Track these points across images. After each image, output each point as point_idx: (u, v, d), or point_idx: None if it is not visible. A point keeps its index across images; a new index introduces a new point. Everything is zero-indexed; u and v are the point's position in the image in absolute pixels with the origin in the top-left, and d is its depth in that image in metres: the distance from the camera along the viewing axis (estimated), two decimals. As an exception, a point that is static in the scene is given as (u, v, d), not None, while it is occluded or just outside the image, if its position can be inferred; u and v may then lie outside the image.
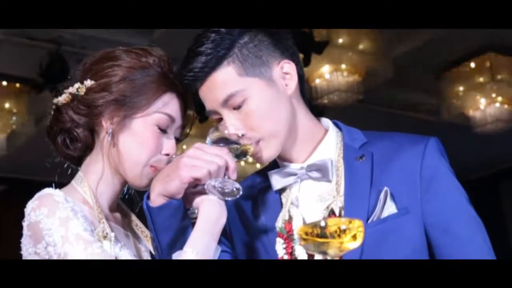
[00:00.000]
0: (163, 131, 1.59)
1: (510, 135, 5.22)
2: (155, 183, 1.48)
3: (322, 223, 1.16)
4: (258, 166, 5.11)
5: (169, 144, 1.59)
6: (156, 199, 1.46)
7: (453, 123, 5.31)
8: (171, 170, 1.45)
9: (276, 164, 1.61)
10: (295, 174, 1.56)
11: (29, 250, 1.48)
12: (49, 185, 1.53)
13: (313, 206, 1.53)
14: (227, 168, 1.45)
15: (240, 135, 1.48)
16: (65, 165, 1.68)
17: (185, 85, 1.55)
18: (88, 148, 1.63)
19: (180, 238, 1.47)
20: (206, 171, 1.42)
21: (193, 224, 1.45)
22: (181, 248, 1.44)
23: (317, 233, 1.17)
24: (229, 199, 1.45)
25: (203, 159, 1.43)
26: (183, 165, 1.43)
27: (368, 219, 1.47)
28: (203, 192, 1.46)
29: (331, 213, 1.50)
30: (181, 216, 1.47)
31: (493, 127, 5.04)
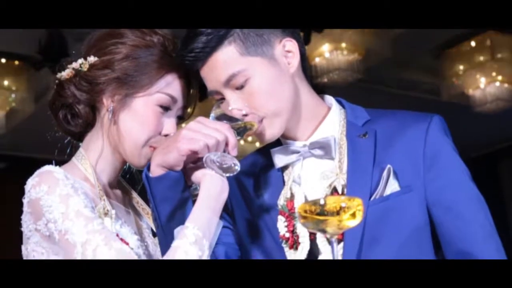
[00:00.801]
0: (164, 111, 1.59)
1: (510, 114, 5.22)
2: (155, 154, 1.48)
3: (322, 201, 1.17)
4: (257, 145, 5.11)
5: (169, 125, 1.59)
6: (155, 170, 1.46)
7: (453, 102, 5.30)
8: (171, 142, 1.46)
9: (278, 142, 1.61)
10: (297, 152, 1.56)
11: (30, 227, 1.49)
12: (49, 163, 1.53)
13: (316, 184, 1.53)
14: (227, 144, 1.45)
15: (243, 113, 1.48)
16: (66, 141, 1.68)
17: (186, 66, 1.55)
18: (89, 124, 1.63)
19: (179, 210, 1.47)
20: (204, 144, 1.42)
21: (195, 200, 1.46)
22: (180, 220, 1.45)
23: (317, 211, 1.17)
24: (227, 175, 1.44)
25: (203, 132, 1.43)
26: (182, 138, 1.43)
27: (370, 196, 1.47)
28: (205, 168, 1.46)
29: (334, 190, 1.50)
30: (180, 188, 1.47)
31: (493, 106, 5.03)
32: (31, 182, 1.48)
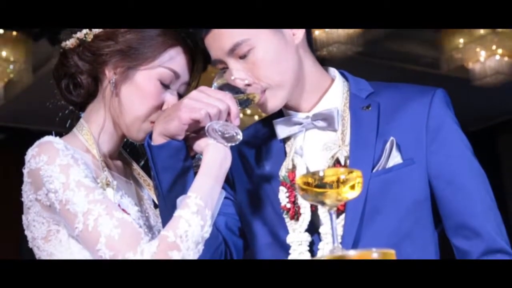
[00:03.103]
0: (166, 86, 1.58)
1: (509, 88, 5.21)
2: (157, 123, 1.48)
3: (321, 173, 1.16)
4: (256, 118, 5.11)
5: (171, 100, 1.58)
6: (156, 138, 1.46)
7: (452, 75, 5.28)
8: (173, 111, 1.45)
9: (280, 113, 1.60)
10: (300, 123, 1.56)
11: (30, 197, 1.49)
12: (48, 134, 1.52)
13: (318, 155, 1.53)
14: (229, 114, 1.44)
15: (246, 83, 1.48)
16: (66, 112, 1.68)
17: (190, 34, 1.54)
18: (91, 95, 1.62)
19: (180, 179, 1.47)
20: (205, 113, 1.41)
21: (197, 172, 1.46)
22: (181, 189, 1.45)
23: (316, 183, 1.17)
24: (229, 144, 1.44)
25: (204, 101, 1.42)
26: (184, 106, 1.43)
27: (373, 168, 1.47)
28: (207, 138, 1.46)
29: (336, 162, 1.50)
30: (182, 157, 1.47)
31: (492, 80, 5.02)
32: (31, 153, 1.48)
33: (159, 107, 1.57)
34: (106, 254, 1.37)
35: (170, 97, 1.58)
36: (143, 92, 1.56)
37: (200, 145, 1.46)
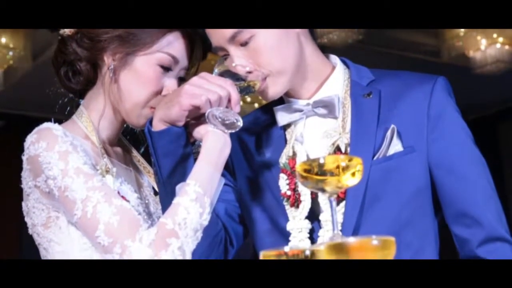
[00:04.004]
0: (165, 71, 1.57)
1: (510, 76, 5.20)
2: (158, 109, 1.48)
3: (321, 160, 1.16)
4: (256, 106, 5.10)
5: (170, 86, 1.57)
6: (157, 124, 1.46)
7: (453, 63, 5.27)
8: (173, 97, 1.45)
9: (281, 100, 1.60)
10: (301, 110, 1.56)
11: (29, 184, 1.49)
12: (47, 121, 1.52)
13: (318, 143, 1.53)
14: (229, 101, 1.44)
15: (247, 70, 1.47)
16: (66, 99, 1.68)
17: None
18: (90, 82, 1.62)
19: (180, 165, 1.47)
20: (205, 99, 1.41)
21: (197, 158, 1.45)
22: (181, 175, 1.45)
23: (316, 170, 1.16)
24: (229, 131, 1.44)
25: (205, 87, 1.42)
26: (184, 92, 1.42)
27: (373, 156, 1.47)
28: (208, 125, 1.45)
29: (337, 149, 1.50)
30: (182, 144, 1.47)
31: (493, 68, 5.01)
32: (30, 139, 1.48)
33: (159, 92, 1.57)
34: (105, 241, 1.37)
35: (169, 83, 1.58)
36: (142, 77, 1.55)
37: (200, 131, 1.46)
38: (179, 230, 1.35)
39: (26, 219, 1.54)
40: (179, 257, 1.35)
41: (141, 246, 1.34)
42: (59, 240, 1.48)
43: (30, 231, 1.54)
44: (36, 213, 1.50)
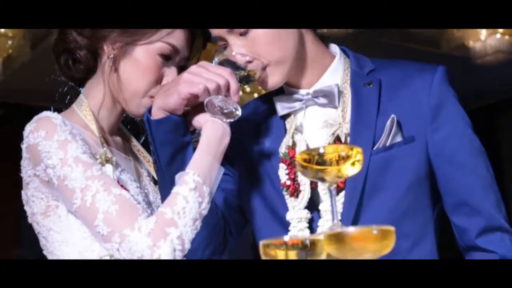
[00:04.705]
0: (166, 61, 1.57)
1: (510, 66, 5.19)
2: (157, 98, 1.48)
3: (321, 150, 1.15)
4: (255, 96, 5.09)
5: (170, 75, 1.57)
6: (156, 113, 1.46)
7: (453, 54, 5.26)
8: (172, 85, 1.45)
9: (281, 89, 1.60)
10: (301, 100, 1.55)
11: (29, 172, 1.49)
12: (47, 110, 1.52)
13: (318, 132, 1.52)
14: (228, 90, 1.44)
15: (246, 60, 1.47)
16: (65, 88, 1.67)
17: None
18: (90, 71, 1.61)
19: (179, 154, 1.47)
20: (204, 88, 1.41)
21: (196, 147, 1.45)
22: (180, 164, 1.45)
23: (316, 160, 1.16)
24: (228, 120, 1.44)
25: (204, 76, 1.42)
26: (182, 81, 1.42)
27: (373, 146, 1.47)
28: (207, 114, 1.45)
29: (337, 139, 1.50)
30: (181, 132, 1.47)
31: (492, 58, 5.01)
32: (29, 128, 1.47)
33: (158, 82, 1.56)
34: (104, 230, 1.37)
35: (169, 72, 1.57)
36: (142, 67, 1.55)
37: (199, 121, 1.46)
38: (178, 220, 1.35)
39: (26, 207, 1.54)
40: (178, 247, 1.35)
41: (140, 235, 1.34)
42: (59, 229, 1.48)
43: (29, 220, 1.54)
44: (36, 202, 1.50)
